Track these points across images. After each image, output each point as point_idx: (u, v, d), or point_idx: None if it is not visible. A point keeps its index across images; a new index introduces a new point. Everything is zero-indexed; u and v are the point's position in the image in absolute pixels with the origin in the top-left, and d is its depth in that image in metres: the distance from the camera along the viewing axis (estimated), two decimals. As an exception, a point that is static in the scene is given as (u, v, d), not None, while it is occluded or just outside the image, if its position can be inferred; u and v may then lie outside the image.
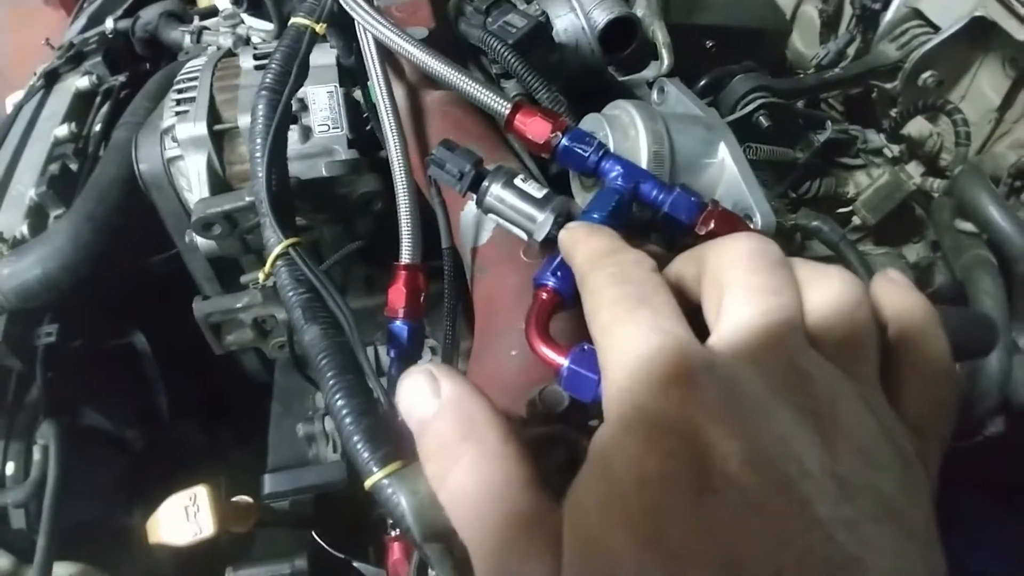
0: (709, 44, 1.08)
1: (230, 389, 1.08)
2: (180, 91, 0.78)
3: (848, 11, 1.11)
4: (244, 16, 0.98)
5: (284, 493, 0.81)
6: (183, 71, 0.80)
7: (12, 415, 0.84)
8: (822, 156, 1.00)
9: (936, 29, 0.94)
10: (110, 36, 1.13)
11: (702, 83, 0.94)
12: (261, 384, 1.04)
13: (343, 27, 0.73)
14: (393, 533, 0.69)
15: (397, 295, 0.60)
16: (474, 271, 0.61)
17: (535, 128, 0.56)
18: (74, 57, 1.13)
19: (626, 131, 0.61)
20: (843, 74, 1.00)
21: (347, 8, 0.67)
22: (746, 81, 0.93)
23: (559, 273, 0.49)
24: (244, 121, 0.73)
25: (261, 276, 0.61)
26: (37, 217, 0.97)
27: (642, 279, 0.31)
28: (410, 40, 0.62)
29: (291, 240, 0.60)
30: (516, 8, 0.74)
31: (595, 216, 0.52)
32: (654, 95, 0.73)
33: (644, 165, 0.60)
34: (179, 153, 0.75)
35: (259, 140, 0.63)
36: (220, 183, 0.75)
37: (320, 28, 0.67)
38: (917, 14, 0.97)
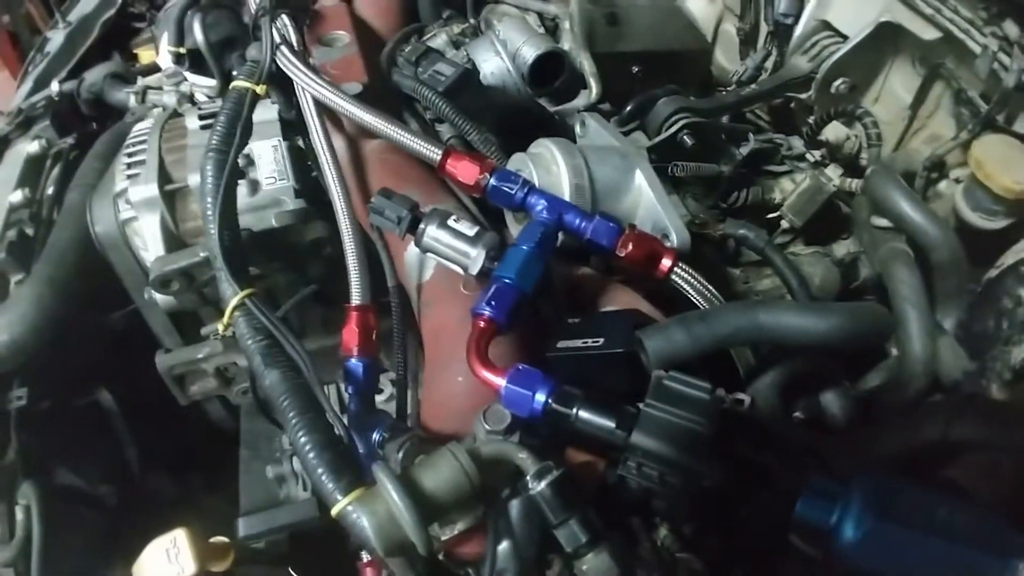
0: (635, 69, 1.17)
1: (196, 438, 1.13)
2: (130, 154, 0.84)
3: (764, 27, 1.21)
4: (186, 74, 1.04)
5: (260, 534, 0.86)
6: (132, 134, 0.86)
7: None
8: (749, 166, 1.09)
9: (844, 38, 1.04)
10: (56, 99, 1.18)
11: (628, 109, 1.02)
12: (226, 431, 1.09)
13: (282, 83, 0.80)
14: (365, 559, 0.75)
15: (350, 335, 0.66)
16: (420, 306, 0.68)
17: (464, 171, 0.63)
18: (23, 123, 1.17)
19: (548, 167, 0.68)
20: (759, 89, 1.10)
21: (285, 69, 0.74)
22: (669, 104, 1.02)
23: (493, 302, 0.56)
24: (194, 180, 0.79)
25: (220, 327, 0.67)
26: (-2, 284, 1.02)
27: None
28: (344, 97, 0.70)
29: (246, 291, 0.67)
30: (444, 57, 0.81)
31: (524, 247, 0.60)
32: (577, 128, 0.81)
33: (567, 197, 0.67)
34: (133, 215, 0.81)
35: (209, 199, 0.70)
36: (174, 240, 0.81)
37: (260, 89, 0.74)
38: (826, 25, 1.07)
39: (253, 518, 0.87)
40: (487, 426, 0.54)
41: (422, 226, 0.59)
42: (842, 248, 1.10)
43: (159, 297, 0.81)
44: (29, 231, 1.07)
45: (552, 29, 1.16)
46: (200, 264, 0.75)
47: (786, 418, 0.69)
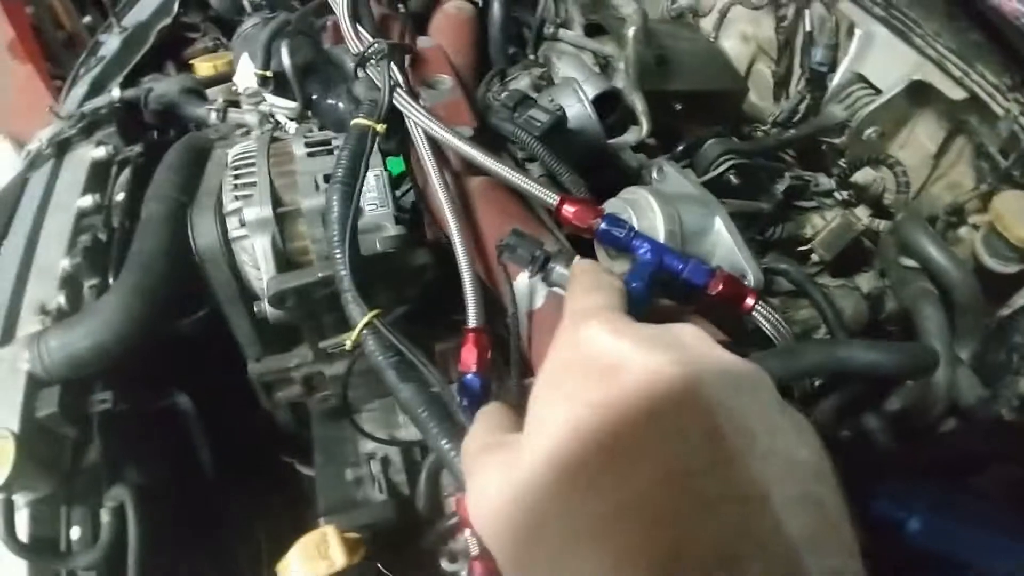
0: (678, 107, 1.29)
1: (254, 443, 1.21)
2: (238, 175, 0.92)
3: (797, 71, 1.34)
4: (266, 95, 1.12)
5: (344, 533, 0.95)
6: (237, 156, 0.94)
7: (72, 481, 0.94)
8: (782, 202, 1.22)
9: (877, 91, 1.17)
10: (118, 106, 1.24)
11: (679, 148, 1.14)
12: (283, 439, 1.17)
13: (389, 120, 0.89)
14: (475, 552, 0.84)
15: (469, 354, 0.76)
16: (532, 332, 0.78)
17: (580, 216, 0.74)
18: (86, 127, 1.23)
19: (645, 213, 0.79)
20: (798, 134, 1.23)
21: (403, 110, 0.84)
22: (717, 146, 1.14)
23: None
24: (308, 204, 0.88)
25: (349, 342, 0.76)
26: (72, 288, 1.08)
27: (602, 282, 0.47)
28: (464, 140, 0.79)
29: (374, 312, 0.76)
30: (537, 104, 0.92)
31: (635, 284, 0.70)
32: (654, 173, 0.92)
33: (661, 240, 0.78)
34: (244, 233, 0.89)
35: (336, 227, 0.79)
36: (283, 260, 0.89)
37: (380, 128, 0.83)
38: (860, 78, 1.20)
39: (336, 518, 0.96)
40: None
41: (551, 264, 0.69)
42: (864, 281, 1.24)
43: (269, 311, 0.90)
44: (101, 236, 1.13)
45: (603, 66, 1.27)
46: (316, 284, 0.84)
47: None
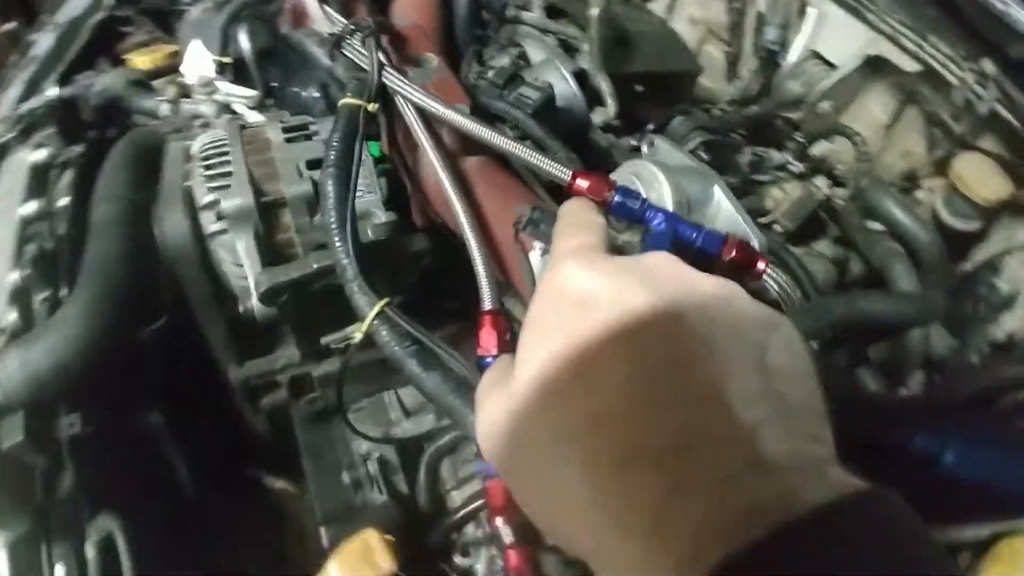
0: (638, 88, 1.31)
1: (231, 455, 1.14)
2: (209, 166, 0.86)
3: (748, 51, 1.38)
4: (220, 83, 1.06)
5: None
6: (207, 146, 0.88)
7: (48, 514, 0.86)
8: (747, 176, 1.25)
9: (832, 66, 1.22)
10: (56, 105, 1.14)
11: (649, 127, 1.15)
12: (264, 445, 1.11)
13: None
14: (508, 541, 0.81)
15: (488, 336, 0.73)
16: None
17: (594, 189, 0.73)
18: (24, 129, 1.13)
19: (651, 184, 0.79)
20: (761, 110, 1.26)
21: (395, 88, 0.80)
22: (685, 123, 1.16)
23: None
24: (292, 192, 0.83)
25: (359, 334, 0.72)
26: (23, 303, 0.98)
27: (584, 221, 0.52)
28: (466, 116, 0.77)
29: (384, 300, 0.73)
30: (525, 81, 0.90)
31: (654, 255, 0.70)
32: (644, 148, 0.92)
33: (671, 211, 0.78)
34: (222, 227, 0.83)
35: (333, 213, 0.75)
36: (269, 253, 0.84)
37: (372, 107, 0.79)
38: (815, 55, 1.25)
39: (337, 526, 0.92)
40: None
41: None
42: (825, 248, 1.29)
43: (258, 309, 0.84)
44: (49, 245, 1.04)
45: (566, 49, 1.27)
46: (313, 275, 0.80)
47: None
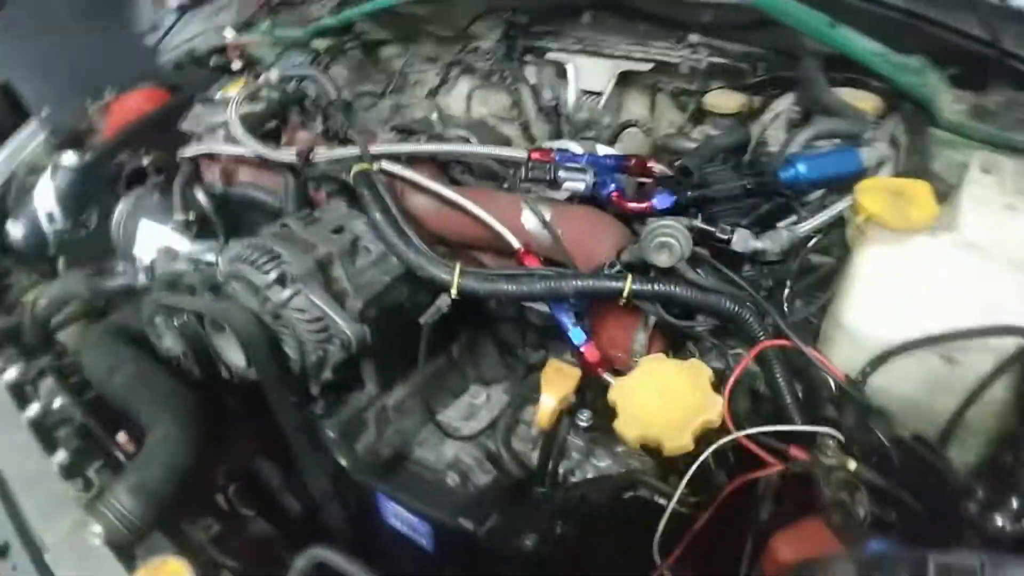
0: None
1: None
2: (255, 262, 1.05)
3: (532, 117, 1.87)
4: (184, 247, 1.24)
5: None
6: (243, 251, 1.08)
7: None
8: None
9: (598, 94, 1.74)
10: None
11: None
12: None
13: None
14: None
15: (532, 260, 1.03)
16: (559, 229, 1.09)
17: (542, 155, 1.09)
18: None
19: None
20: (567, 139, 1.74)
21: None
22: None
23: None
24: (333, 250, 1.07)
25: (447, 296, 0.97)
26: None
27: None
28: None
29: (457, 264, 0.99)
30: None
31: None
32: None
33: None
34: (289, 294, 1.02)
35: (391, 228, 1.02)
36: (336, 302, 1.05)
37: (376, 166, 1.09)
38: (585, 92, 1.75)
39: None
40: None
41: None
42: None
43: (355, 337, 1.02)
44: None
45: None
46: (391, 284, 1.04)
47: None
